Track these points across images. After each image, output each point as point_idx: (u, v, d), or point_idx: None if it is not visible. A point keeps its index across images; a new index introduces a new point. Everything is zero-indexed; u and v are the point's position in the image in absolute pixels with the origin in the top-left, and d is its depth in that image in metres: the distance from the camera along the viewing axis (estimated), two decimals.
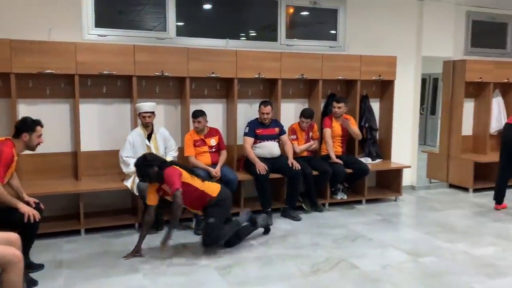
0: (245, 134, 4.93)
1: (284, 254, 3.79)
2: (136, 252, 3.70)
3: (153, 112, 4.42)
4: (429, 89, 11.38)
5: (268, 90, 5.40)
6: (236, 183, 4.58)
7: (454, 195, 6.08)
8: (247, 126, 4.96)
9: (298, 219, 4.78)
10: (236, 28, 5.46)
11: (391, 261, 3.65)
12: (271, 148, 4.96)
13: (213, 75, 4.83)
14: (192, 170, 3.97)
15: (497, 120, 6.57)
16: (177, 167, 3.75)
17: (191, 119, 4.68)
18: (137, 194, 4.26)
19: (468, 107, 6.56)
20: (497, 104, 6.60)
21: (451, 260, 3.67)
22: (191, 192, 3.73)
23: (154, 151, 4.40)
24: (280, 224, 4.64)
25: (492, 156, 6.32)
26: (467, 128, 6.56)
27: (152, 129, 4.49)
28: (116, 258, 3.65)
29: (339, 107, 5.30)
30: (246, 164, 4.95)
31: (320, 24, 5.94)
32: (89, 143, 4.62)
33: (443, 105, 6.62)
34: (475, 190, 6.15)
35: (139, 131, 4.44)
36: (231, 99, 5.06)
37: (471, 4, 6.40)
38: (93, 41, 4.61)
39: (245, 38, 5.50)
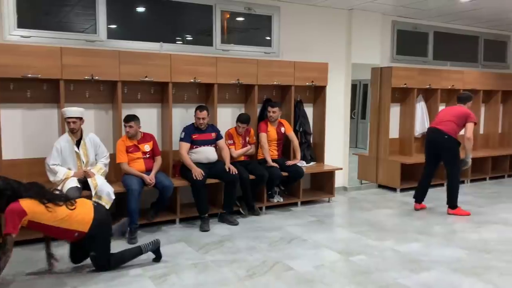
0: (181, 140, 4.86)
1: (221, 260, 3.78)
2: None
3: (80, 118, 4.21)
4: (359, 94, 11.92)
5: (204, 94, 5.38)
6: (171, 190, 4.51)
7: (383, 195, 6.41)
8: (182, 131, 4.90)
9: (236, 224, 4.80)
10: (171, 32, 5.39)
11: (324, 261, 3.77)
12: (207, 153, 4.93)
13: (147, 79, 4.73)
14: (55, 197, 3.25)
15: (421, 123, 7.02)
16: (26, 200, 3.08)
17: (123, 124, 4.54)
18: None
19: (395, 112, 6.96)
20: (421, 108, 7.06)
21: (379, 258, 3.86)
22: (47, 230, 3.23)
23: (83, 158, 4.23)
24: (217, 230, 4.63)
25: (417, 158, 6.75)
26: (394, 131, 6.95)
27: (81, 136, 4.29)
28: (40, 272, 3.45)
29: (273, 112, 5.40)
30: (182, 170, 4.89)
31: (256, 30, 6.02)
32: (11, 151, 4.34)
33: (371, 109, 6.96)
34: (402, 190, 6.52)
35: (67, 137, 4.23)
36: (166, 103, 4.98)
37: (396, 14, 6.81)
38: (15, 42, 4.34)
39: (181, 42, 5.44)
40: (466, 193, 6.49)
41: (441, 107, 7.15)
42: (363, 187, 6.86)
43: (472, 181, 7.32)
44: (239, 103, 5.68)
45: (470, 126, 5.10)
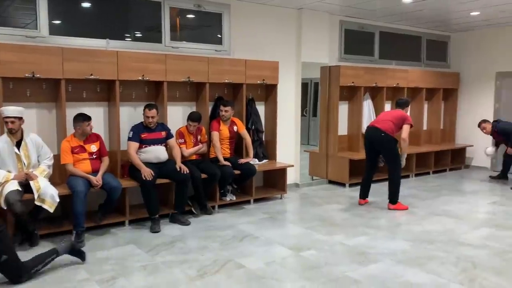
0: (129, 139, 4.74)
1: (171, 261, 3.72)
2: None
3: (19, 118, 3.99)
4: (310, 92, 12.16)
5: (153, 92, 5.27)
6: (119, 191, 4.39)
7: (333, 190, 6.57)
8: (131, 131, 4.78)
9: (187, 224, 4.75)
10: (118, 29, 5.23)
11: (275, 257, 3.81)
12: (157, 152, 4.84)
13: (92, 77, 4.57)
14: None
15: (368, 120, 7.21)
16: None
17: (69, 124, 4.37)
18: (5, 208, 3.82)
19: (343, 109, 7.15)
20: (368, 106, 7.29)
21: (329, 252, 3.95)
22: None
23: (24, 160, 4.03)
24: (168, 230, 4.55)
25: (364, 154, 6.97)
26: (342, 128, 7.14)
27: (22, 136, 4.08)
28: None
29: (226, 111, 5.38)
30: (131, 170, 4.77)
31: (206, 27, 5.98)
32: None
33: (321, 107, 7.10)
34: (351, 185, 6.72)
35: (6, 138, 4.00)
36: (113, 102, 4.83)
37: (343, 14, 6.98)
38: None
39: (129, 39, 5.29)
40: (411, 186, 6.79)
41: (387, 105, 7.46)
42: (314, 183, 7.00)
43: (416, 175, 7.66)
44: (190, 101, 5.61)
45: (406, 127, 5.36)
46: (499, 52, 8.03)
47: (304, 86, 11.78)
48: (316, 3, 6.18)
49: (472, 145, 8.32)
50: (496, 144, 7.31)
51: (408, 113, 5.68)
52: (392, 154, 5.40)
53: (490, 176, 7.50)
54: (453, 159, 8.24)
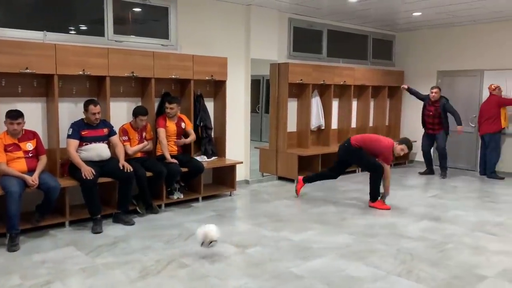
0: (69, 136, 4.53)
1: (113, 262, 3.60)
2: None
3: None
4: (263, 89, 12.22)
5: (96, 88, 5.07)
6: (58, 191, 4.18)
7: (282, 186, 6.63)
8: (70, 128, 4.57)
9: (131, 224, 4.61)
10: (57, 21, 4.97)
11: (220, 255, 3.78)
12: (99, 150, 4.66)
13: (28, 71, 4.32)
14: None
15: (316, 117, 7.37)
16: None
17: (7, 121, 4.10)
18: None
19: (292, 106, 7.22)
20: (316, 103, 7.40)
21: (274, 248, 3.97)
22: None
23: None
24: (111, 231, 4.40)
25: (313, 150, 7.10)
26: (292, 125, 7.22)
27: None
28: None
29: (171, 108, 5.28)
30: (71, 169, 4.56)
31: (152, 21, 5.82)
32: None
33: (271, 104, 7.14)
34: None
35: None
36: (52, 97, 4.60)
37: (292, 12, 7.03)
38: None
39: (70, 32, 5.04)
40: (358, 181, 6.96)
41: (334, 102, 7.62)
42: (264, 180, 7.02)
43: (363, 170, 7.86)
44: (135, 97, 5.45)
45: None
46: (440, 52, 8.40)
47: (256, 82, 11.89)
48: (265, 0, 6.17)
49: (416, 141, 8.63)
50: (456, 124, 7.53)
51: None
52: (364, 160, 5.54)
53: (419, 172, 7.84)
54: None
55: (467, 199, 5.97)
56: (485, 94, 7.58)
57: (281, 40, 7.01)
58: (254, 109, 11.97)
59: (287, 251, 3.91)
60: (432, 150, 7.80)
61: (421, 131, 7.84)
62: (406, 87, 7.85)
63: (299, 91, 7.25)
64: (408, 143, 5.41)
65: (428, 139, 7.66)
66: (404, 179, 7.40)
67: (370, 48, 8.60)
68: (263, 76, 11.65)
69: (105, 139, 4.76)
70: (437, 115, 7.38)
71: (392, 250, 3.96)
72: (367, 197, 5.75)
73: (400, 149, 5.35)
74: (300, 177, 5.92)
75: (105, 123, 4.80)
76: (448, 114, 7.30)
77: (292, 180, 6.84)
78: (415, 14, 7.10)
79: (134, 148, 5.04)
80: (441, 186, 6.79)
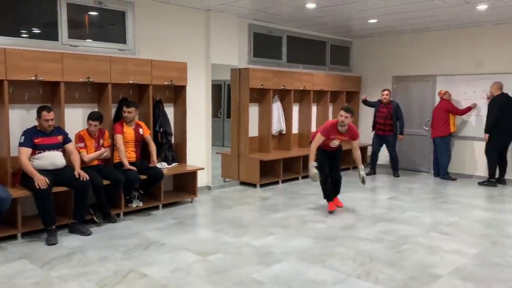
0: (21, 144, 4.34)
1: (68, 275, 3.47)
2: None
3: None
4: (224, 94, 12.19)
5: (49, 94, 4.89)
6: (8, 202, 3.99)
7: (244, 191, 6.63)
8: (22, 135, 4.38)
9: (88, 234, 4.46)
10: (7, 24, 4.76)
11: (181, 264, 3.72)
12: (53, 158, 4.49)
13: None
14: None
15: (277, 122, 7.43)
16: None
17: None
18: None
19: (254, 111, 7.25)
20: (277, 108, 7.47)
21: (235, 254, 3.95)
22: None
23: None
24: (66, 242, 4.24)
25: (275, 154, 7.15)
26: (253, 129, 7.24)
27: None
28: None
29: (129, 112, 5.18)
30: (24, 178, 4.37)
31: (109, 25, 5.68)
32: None
33: (232, 109, 7.13)
34: (261, 186, 6.84)
35: None
36: (2, 104, 4.39)
37: (252, 18, 7.07)
38: None
39: (22, 36, 4.84)
40: (317, 185, 7.02)
41: (295, 107, 7.71)
42: (226, 185, 7.00)
43: None
44: (92, 103, 5.30)
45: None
46: (395, 58, 8.69)
47: (218, 87, 11.85)
48: (224, 5, 6.18)
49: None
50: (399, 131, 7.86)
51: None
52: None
53: (366, 174, 8.05)
54: None
55: (422, 200, 6.19)
56: (438, 99, 7.90)
57: (241, 46, 7.03)
58: (216, 114, 11.92)
59: (248, 257, 3.90)
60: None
61: None
62: (364, 98, 8.11)
63: (260, 96, 7.28)
64: (344, 108, 5.33)
65: (378, 141, 7.94)
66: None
67: (328, 54, 8.77)
68: (224, 81, 11.62)
69: (60, 146, 4.59)
70: (389, 117, 7.68)
71: (351, 252, 4.04)
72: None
73: (339, 116, 5.23)
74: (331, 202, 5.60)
75: (60, 130, 4.64)
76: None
77: (254, 185, 6.86)
78: (370, 21, 7.31)
79: (90, 156, 4.90)
80: (397, 188, 7.01)
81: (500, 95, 7.01)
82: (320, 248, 4.15)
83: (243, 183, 7.05)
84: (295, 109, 7.84)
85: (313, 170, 5.22)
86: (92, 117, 4.89)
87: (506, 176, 7.27)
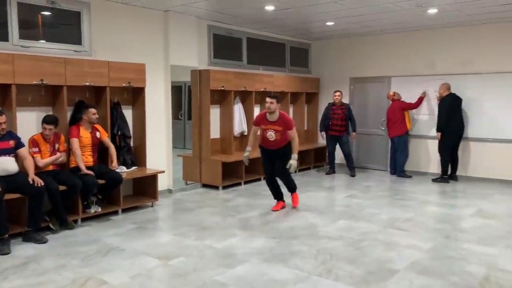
0: None
1: (22, 285, 3.33)
2: None
3: None
4: (185, 95, 12.09)
5: (0, 96, 4.68)
6: None
7: (206, 194, 6.59)
8: None
9: (44, 242, 4.30)
10: None
11: (141, 269, 3.65)
12: (5, 164, 4.30)
13: None
14: None
15: (238, 123, 7.45)
16: None
17: None
18: None
19: (215, 113, 7.23)
20: (238, 109, 7.48)
21: (198, 257, 3.92)
22: None
23: None
24: (20, 251, 4.07)
25: (237, 156, 7.14)
26: (215, 131, 7.22)
27: None
28: None
29: (94, 113, 5.09)
30: None
31: (64, 26, 5.50)
32: None
33: (193, 111, 7.09)
34: (224, 187, 6.83)
35: None
36: None
37: (211, 19, 7.05)
38: None
39: None
40: (280, 185, 7.11)
41: (256, 108, 7.75)
42: (188, 188, 6.93)
43: None
44: (46, 106, 5.12)
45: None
46: (352, 60, 8.92)
47: (178, 89, 11.73)
48: (183, 6, 6.13)
49: None
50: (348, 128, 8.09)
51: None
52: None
53: (326, 173, 8.29)
54: (316, 158, 8.90)
55: (380, 197, 6.39)
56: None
57: (201, 47, 6.99)
58: (176, 116, 11.79)
59: (211, 259, 3.89)
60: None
61: None
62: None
63: (221, 97, 7.27)
64: (269, 95, 5.34)
65: (333, 141, 8.14)
66: (322, 180, 7.72)
67: (288, 56, 8.89)
68: (185, 83, 11.52)
69: (12, 151, 4.40)
70: (344, 118, 7.88)
71: (313, 250, 4.11)
72: (289, 200, 5.90)
73: (265, 103, 5.30)
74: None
75: (11, 134, 4.45)
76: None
77: (216, 187, 6.84)
78: (328, 23, 7.46)
79: (45, 161, 4.72)
80: (356, 186, 7.19)
81: (448, 95, 7.35)
82: (282, 247, 4.20)
83: (205, 186, 7.01)
84: (257, 111, 7.85)
85: (245, 153, 5.64)
86: (46, 120, 4.72)
87: (458, 173, 7.63)
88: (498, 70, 7.32)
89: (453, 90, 7.41)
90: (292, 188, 5.76)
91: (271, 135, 5.37)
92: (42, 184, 4.36)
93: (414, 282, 3.40)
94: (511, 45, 7.20)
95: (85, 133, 5.09)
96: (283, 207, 5.69)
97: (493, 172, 7.47)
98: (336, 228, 4.83)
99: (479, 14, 6.64)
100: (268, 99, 5.29)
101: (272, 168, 5.57)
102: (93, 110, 5.14)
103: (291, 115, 8.74)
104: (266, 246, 4.24)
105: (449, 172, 7.55)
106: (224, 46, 7.48)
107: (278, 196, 5.71)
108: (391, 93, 7.99)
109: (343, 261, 3.85)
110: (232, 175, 7.13)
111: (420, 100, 7.87)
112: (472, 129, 7.58)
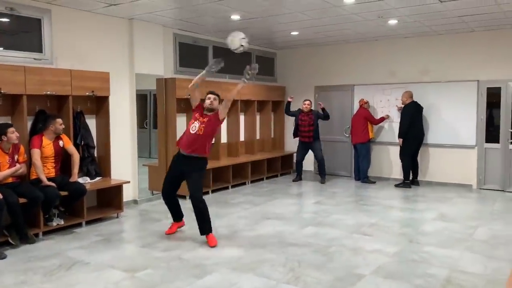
0: None
1: None
2: None
3: None
4: (150, 104, 11.92)
5: None
6: None
7: None
8: None
9: (3, 257, 4.12)
10: None
11: (107, 283, 3.56)
12: None
13: None
14: None
15: None
16: None
17: None
18: None
19: (181, 121, 7.17)
20: None
21: (166, 269, 3.87)
22: None
23: None
24: None
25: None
26: None
27: None
28: None
29: (61, 124, 4.99)
30: None
31: (23, 33, 5.33)
32: None
33: (159, 119, 7.00)
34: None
35: None
36: None
37: (176, 27, 7.02)
38: None
39: None
40: (247, 193, 7.15)
41: None
42: (154, 198, 6.82)
43: (252, 181, 8.12)
44: (4, 116, 4.93)
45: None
46: (316, 68, 9.09)
47: (143, 97, 11.57)
48: (148, 15, 6.07)
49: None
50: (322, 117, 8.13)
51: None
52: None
53: (293, 180, 8.42)
54: (283, 165, 8.98)
55: (345, 203, 6.51)
56: (357, 107, 8.37)
57: (166, 55, 6.94)
58: (142, 125, 11.61)
59: (179, 270, 3.84)
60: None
61: None
62: (290, 99, 8.33)
63: (188, 106, 7.19)
64: (210, 91, 4.85)
65: (303, 148, 8.23)
66: (289, 188, 7.79)
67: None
68: (150, 91, 11.37)
69: None
70: (311, 124, 8.00)
71: (281, 258, 4.13)
72: (257, 208, 5.93)
73: (207, 99, 4.76)
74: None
75: None
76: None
77: (183, 197, 6.76)
78: (293, 33, 7.58)
79: (4, 173, 4.53)
80: (322, 193, 7.30)
81: (411, 103, 7.62)
82: (251, 256, 4.20)
83: None
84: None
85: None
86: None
87: (418, 178, 7.88)
88: (454, 79, 7.66)
89: (415, 98, 7.68)
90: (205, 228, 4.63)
91: (194, 126, 4.58)
92: (1, 197, 4.18)
93: (380, 287, 3.48)
94: (466, 54, 7.55)
95: (48, 143, 4.93)
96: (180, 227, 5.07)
97: (451, 176, 7.77)
98: (303, 235, 4.88)
99: (437, 25, 6.93)
100: (211, 96, 4.69)
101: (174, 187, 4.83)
102: (60, 121, 5.02)
103: (258, 123, 8.82)
104: (234, 255, 4.23)
105: (410, 177, 7.80)
106: (190, 54, 7.45)
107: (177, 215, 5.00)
108: (364, 100, 8.16)
109: (311, 267, 3.89)
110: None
111: (382, 119, 8.11)
112: (431, 135, 7.87)
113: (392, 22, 6.68)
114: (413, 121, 7.54)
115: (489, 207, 6.27)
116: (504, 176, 7.35)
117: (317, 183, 8.17)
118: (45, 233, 4.86)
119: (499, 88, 7.34)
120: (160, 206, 6.36)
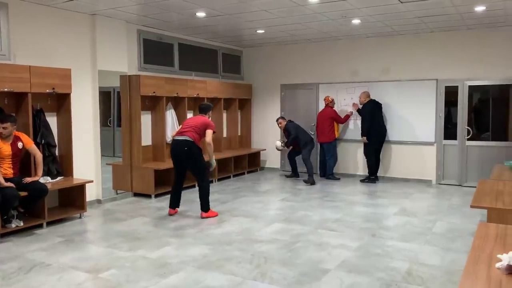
0: None
1: None
2: None
3: None
4: (114, 101, 11.66)
5: None
6: None
7: (138, 203, 6.42)
8: None
9: None
10: None
11: (70, 284, 3.48)
12: None
13: None
14: None
15: (171, 130, 7.31)
16: None
17: None
18: None
19: (146, 119, 7.07)
20: (171, 115, 7.38)
21: (130, 269, 3.81)
22: None
23: None
24: None
25: (170, 163, 7.00)
26: (146, 138, 7.06)
27: None
28: None
29: (4, 127, 4.70)
30: None
31: None
32: None
33: (123, 117, 6.88)
34: (157, 196, 6.69)
35: None
36: None
37: (140, 24, 6.90)
38: None
39: None
40: (214, 191, 7.13)
41: (189, 114, 7.69)
42: (118, 197, 6.70)
43: (219, 179, 8.11)
44: None
45: (209, 132, 5.54)
46: (282, 67, 9.17)
47: (107, 94, 11.30)
48: (111, 10, 5.94)
49: (265, 149, 9.29)
50: (287, 144, 8.26)
51: (211, 118, 5.85)
52: (198, 165, 5.52)
53: (285, 176, 8.49)
54: (250, 163, 9.02)
55: (311, 200, 6.61)
56: (321, 105, 8.50)
57: (130, 52, 6.82)
58: (105, 123, 11.34)
59: (144, 270, 3.79)
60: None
61: (270, 141, 8.48)
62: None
63: (153, 103, 7.13)
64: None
65: (295, 152, 8.35)
66: (256, 185, 7.84)
67: (220, 62, 8.93)
68: (113, 88, 11.11)
69: None
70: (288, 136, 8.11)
71: (247, 255, 4.15)
72: (223, 205, 5.93)
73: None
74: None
75: None
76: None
77: (149, 196, 6.68)
78: (259, 31, 7.61)
79: None
80: (288, 190, 7.39)
81: (369, 102, 7.84)
82: (217, 254, 4.20)
83: (136, 194, 6.82)
84: (189, 117, 7.79)
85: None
86: None
87: (381, 174, 8.10)
88: (414, 77, 7.91)
89: (374, 96, 7.90)
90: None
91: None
92: None
93: (344, 281, 3.56)
94: (426, 54, 7.81)
95: (4, 145, 4.74)
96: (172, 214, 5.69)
97: (412, 172, 8.04)
98: (270, 232, 4.92)
99: (398, 25, 7.14)
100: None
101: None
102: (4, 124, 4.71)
103: (224, 121, 8.81)
104: (200, 253, 4.22)
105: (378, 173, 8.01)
106: (155, 51, 7.35)
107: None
108: (330, 98, 8.26)
109: (277, 263, 3.94)
110: (165, 183, 7.00)
111: (347, 117, 8.27)
112: (393, 132, 8.10)
113: (356, 21, 6.83)
114: (373, 118, 7.75)
115: (447, 201, 6.53)
116: (461, 172, 7.67)
117: (284, 180, 8.25)
118: (3, 235, 4.68)
119: (457, 87, 7.65)
120: (124, 206, 6.27)
